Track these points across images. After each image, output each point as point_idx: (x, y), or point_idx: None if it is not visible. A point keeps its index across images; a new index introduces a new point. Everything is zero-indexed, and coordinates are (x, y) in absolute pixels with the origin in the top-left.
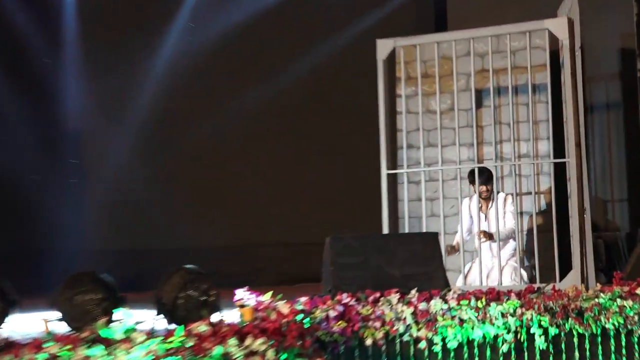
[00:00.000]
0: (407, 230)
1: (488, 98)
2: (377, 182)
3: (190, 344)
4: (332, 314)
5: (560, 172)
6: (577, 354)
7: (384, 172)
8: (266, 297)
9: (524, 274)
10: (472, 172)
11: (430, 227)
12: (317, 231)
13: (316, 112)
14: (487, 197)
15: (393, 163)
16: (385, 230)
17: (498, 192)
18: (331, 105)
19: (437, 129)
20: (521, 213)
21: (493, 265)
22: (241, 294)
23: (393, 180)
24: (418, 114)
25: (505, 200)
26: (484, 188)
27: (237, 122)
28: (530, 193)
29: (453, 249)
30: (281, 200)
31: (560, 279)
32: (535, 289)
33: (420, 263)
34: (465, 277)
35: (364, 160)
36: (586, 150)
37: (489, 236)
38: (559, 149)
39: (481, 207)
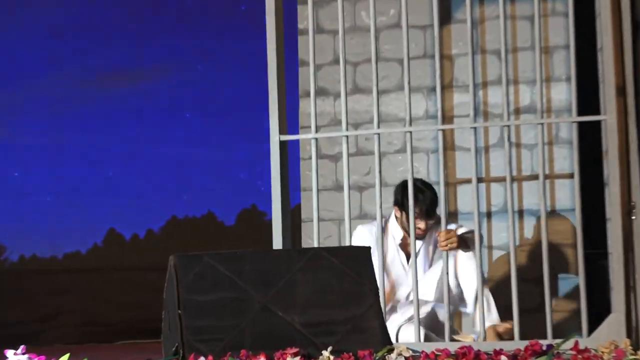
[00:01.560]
0: (316, 243)
1: (461, 7)
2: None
3: None
4: None
5: (589, 141)
6: None
7: (275, 138)
8: None
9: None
10: (402, 187)
11: (359, 236)
12: (156, 248)
13: None
14: (422, 237)
15: (291, 125)
16: (278, 242)
17: (456, 228)
18: None
19: (369, 61)
20: (521, 213)
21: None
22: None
23: (291, 153)
24: (336, 33)
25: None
26: (421, 225)
27: None
28: (534, 177)
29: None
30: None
31: (591, 330)
32: (544, 347)
33: (340, 301)
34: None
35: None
36: (637, 102)
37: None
38: (586, 100)
39: (402, 244)
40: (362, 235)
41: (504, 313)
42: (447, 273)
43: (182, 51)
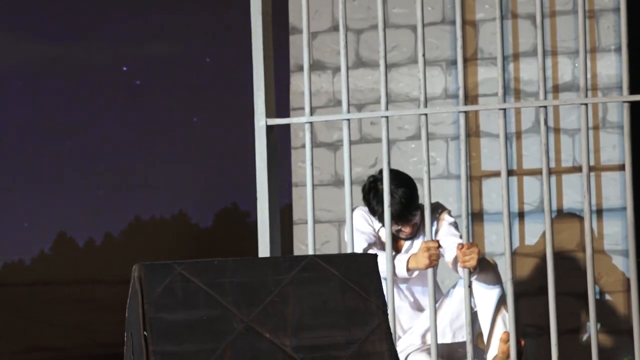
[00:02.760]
0: (311, 250)
1: None
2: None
3: None
4: None
5: None
6: None
7: (260, 122)
8: None
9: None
10: (367, 189)
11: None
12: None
13: None
14: (414, 236)
15: (283, 107)
16: (265, 248)
17: (440, 211)
18: None
19: (375, 28)
20: (560, 213)
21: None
22: None
23: (282, 141)
24: None
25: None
26: (406, 229)
27: None
28: (577, 169)
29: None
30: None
31: None
32: None
33: (340, 320)
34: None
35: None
36: None
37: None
38: (639, 77)
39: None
40: (362, 221)
41: (538, 332)
42: (470, 295)
43: (160, 21)
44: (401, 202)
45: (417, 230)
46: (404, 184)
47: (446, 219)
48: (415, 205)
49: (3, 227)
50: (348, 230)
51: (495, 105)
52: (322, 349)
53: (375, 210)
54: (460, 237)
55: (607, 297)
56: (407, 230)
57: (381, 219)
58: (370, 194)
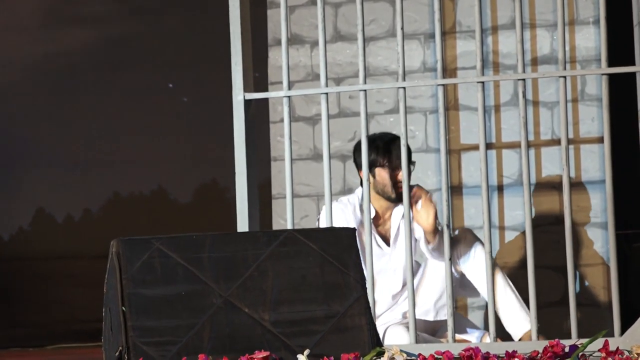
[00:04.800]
0: (289, 225)
1: None
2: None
3: None
4: None
5: (621, 98)
6: None
7: (238, 97)
8: None
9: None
10: (358, 146)
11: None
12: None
13: None
14: (400, 196)
15: (262, 82)
16: (243, 223)
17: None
18: None
19: (353, 1)
20: (539, 186)
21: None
22: None
23: (260, 116)
24: None
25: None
26: (400, 174)
27: None
28: (556, 142)
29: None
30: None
31: (624, 328)
32: (567, 348)
33: (319, 295)
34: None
35: None
36: None
37: None
38: (619, 48)
39: (376, 222)
40: (339, 217)
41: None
42: (453, 266)
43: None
44: (387, 136)
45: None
46: (383, 136)
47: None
48: (396, 152)
49: None
50: (325, 222)
51: (473, 79)
52: (301, 324)
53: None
54: (435, 213)
55: (586, 270)
56: (400, 175)
57: (372, 166)
58: (357, 151)
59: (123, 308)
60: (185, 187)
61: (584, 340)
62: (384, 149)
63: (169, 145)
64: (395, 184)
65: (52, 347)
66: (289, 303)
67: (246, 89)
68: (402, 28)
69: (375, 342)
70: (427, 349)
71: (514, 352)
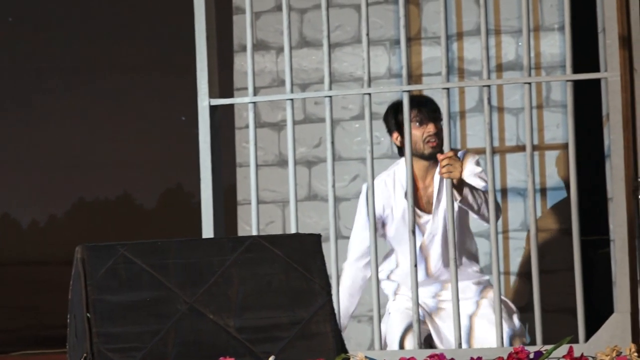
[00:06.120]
0: (254, 231)
1: None
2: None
3: None
4: None
5: (586, 104)
6: None
7: (204, 103)
8: None
9: (515, 322)
10: (394, 106)
11: (308, 223)
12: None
13: None
14: (434, 153)
15: (227, 88)
16: (208, 229)
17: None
18: None
19: (319, 7)
20: (504, 192)
21: (438, 301)
22: None
23: (227, 122)
24: None
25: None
26: (430, 127)
27: None
28: (521, 149)
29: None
30: None
31: (589, 334)
32: (532, 354)
33: (284, 301)
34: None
35: None
36: None
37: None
38: (583, 55)
39: (417, 186)
40: (377, 185)
41: None
42: (453, 217)
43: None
44: (421, 95)
45: (440, 143)
46: (429, 98)
47: (470, 159)
48: (439, 115)
49: None
50: (363, 206)
51: (438, 85)
52: (266, 330)
53: (396, 126)
54: (485, 180)
55: (552, 275)
56: (430, 128)
57: (400, 128)
58: (395, 110)
59: (88, 314)
60: (150, 192)
61: (549, 347)
62: (412, 104)
63: (134, 150)
64: (426, 140)
65: (18, 353)
66: (254, 309)
67: (211, 94)
68: (368, 34)
69: (340, 348)
70: (393, 355)
71: (479, 358)
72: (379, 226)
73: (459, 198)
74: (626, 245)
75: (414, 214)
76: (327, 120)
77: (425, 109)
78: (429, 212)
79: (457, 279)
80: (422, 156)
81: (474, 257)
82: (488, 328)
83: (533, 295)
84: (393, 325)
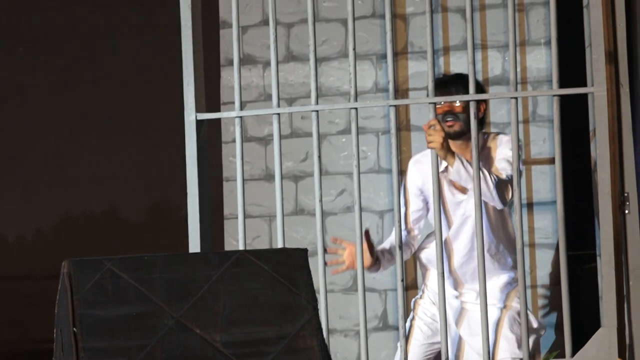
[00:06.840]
0: (241, 245)
1: None
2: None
3: None
4: None
5: (573, 119)
6: None
7: (190, 117)
8: None
9: (531, 342)
10: (460, 76)
11: (295, 237)
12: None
13: None
14: (457, 133)
15: (213, 102)
16: (195, 243)
17: (486, 135)
18: None
19: (306, 22)
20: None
21: (461, 302)
22: None
23: (213, 137)
24: None
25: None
26: (445, 107)
27: None
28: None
29: (373, 259)
30: None
31: (575, 349)
32: None
33: (271, 316)
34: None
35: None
36: (630, 71)
37: None
38: (570, 69)
39: (446, 169)
40: (410, 173)
41: None
42: (481, 205)
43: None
44: (447, 75)
45: (461, 123)
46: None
47: (506, 143)
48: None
49: None
50: (409, 179)
51: (425, 100)
52: (253, 345)
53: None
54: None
55: (538, 291)
56: (445, 107)
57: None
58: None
59: (74, 329)
60: (137, 206)
61: None
62: (437, 83)
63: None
64: (443, 120)
65: None
66: (241, 324)
67: (198, 109)
68: (354, 49)
69: None
70: None
71: None
72: (423, 203)
73: (450, 168)
74: (613, 260)
75: (440, 221)
76: (314, 134)
77: (446, 89)
78: (463, 192)
79: (485, 286)
80: (448, 135)
81: (512, 245)
82: (506, 348)
83: (520, 310)
84: (414, 345)
